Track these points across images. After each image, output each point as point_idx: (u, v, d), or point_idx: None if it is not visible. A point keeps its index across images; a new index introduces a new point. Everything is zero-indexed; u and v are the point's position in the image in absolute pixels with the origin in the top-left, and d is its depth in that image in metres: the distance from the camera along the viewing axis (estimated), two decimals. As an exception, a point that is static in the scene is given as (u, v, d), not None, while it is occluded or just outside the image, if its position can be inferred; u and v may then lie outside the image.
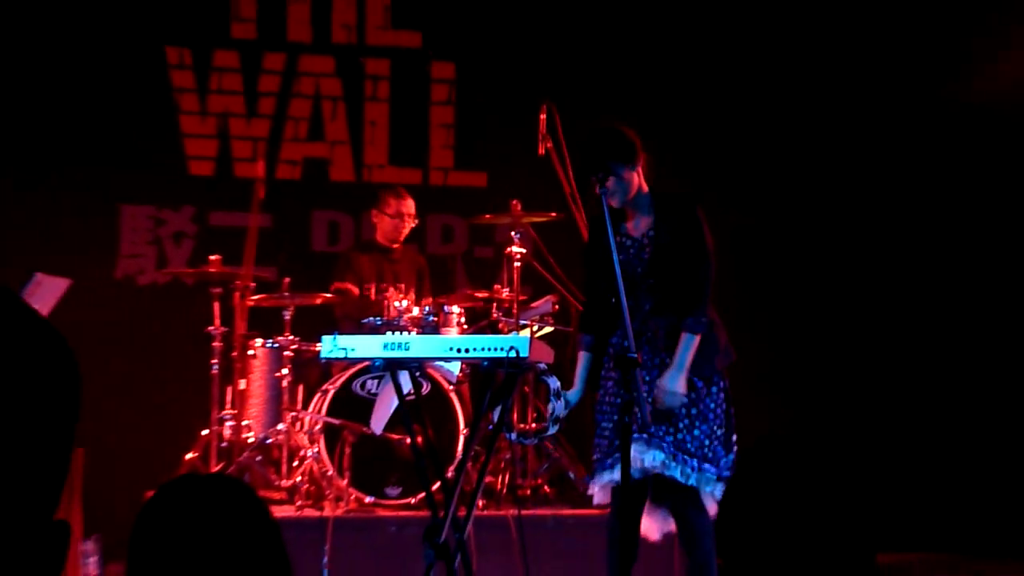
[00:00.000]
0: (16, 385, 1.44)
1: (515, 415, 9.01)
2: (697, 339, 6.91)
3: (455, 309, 9.03)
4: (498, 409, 7.20)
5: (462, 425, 8.65)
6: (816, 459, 3.00)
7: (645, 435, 6.75)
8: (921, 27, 11.11)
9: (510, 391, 7.43)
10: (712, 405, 6.98)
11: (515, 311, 9.19)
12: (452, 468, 8.08)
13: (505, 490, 9.09)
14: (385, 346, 6.79)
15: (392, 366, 7.06)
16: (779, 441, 2.96)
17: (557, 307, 9.35)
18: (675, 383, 6.87)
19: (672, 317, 6.97)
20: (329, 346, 6.76)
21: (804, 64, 11.23)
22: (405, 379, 7.25)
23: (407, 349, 6.81)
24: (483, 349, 6.84)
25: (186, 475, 3.30)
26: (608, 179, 6.83)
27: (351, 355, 6.84)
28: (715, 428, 6.94)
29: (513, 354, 6.63)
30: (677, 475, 6.73)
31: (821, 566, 2.87)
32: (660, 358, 6.93)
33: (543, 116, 7.80)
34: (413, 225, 10.03)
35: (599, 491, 7.13)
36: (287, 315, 9.42)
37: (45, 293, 7.07)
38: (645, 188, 7.05)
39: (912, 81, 11.21)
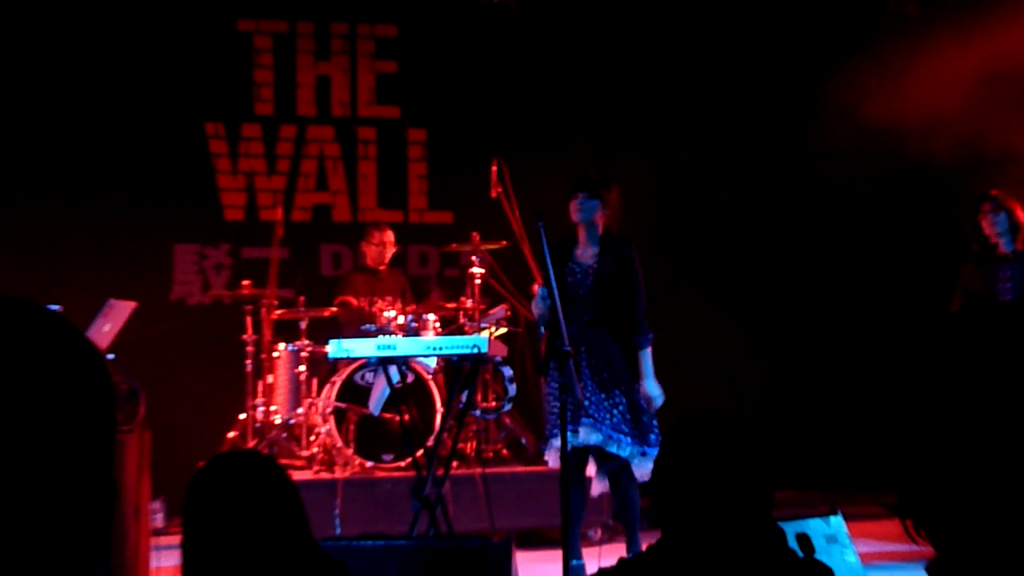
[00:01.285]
0: (49, 392, 1.34)
1: (479, 397, 8.97)
2: (649, 350, 6.98)
3: (431, 316, 8.98)
4: (466, 392, 7.23)
5: (439, 405, 8.57)
6: (725, 426, 3.05)
7: (591, 419, 6.79)
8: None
9: (474, 379, 7.46)
10: (648, 395, 7.01)
11: (476, 317, 9.18)
12: (432, 438, 8.02)
13: (473, 454, 9.01)
14: (378, 347, 6.78)
15: (383, 362, 7.08)
16: (696, 415, 3.03)
17: (509, 313, 9.29)
18: (652, 388, 6.96)
19: (604, 327, 6.98)
20: (335, 348, 6.75)
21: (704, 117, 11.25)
22: (394, 371, 7.26)
23: (395, 349, 6.82)
24: (453, 347, 6.86)
25: (228, 451, 3.31)
26: (590, 197, 6.91)
27: (352, 355, 6.87)
28: (643, 415, 6.97)
29: (476, 351, 6.65)
30: (615, 450, 6.78)
31: (728, 505, 2.92)
32: (593, 356, 6.94)
33: (494, 168, 7.75)
34: (393, 251, 9.95)
35: (553, 457, 7.08)
36: (303, 325, 9.37)
37: (117, 314, 7.01)
38: (601, 228, 7.06)
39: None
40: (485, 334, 9.06)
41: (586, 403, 6.79)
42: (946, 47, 10.77)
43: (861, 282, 11.28)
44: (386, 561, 5.75)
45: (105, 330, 6.99)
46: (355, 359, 7.65)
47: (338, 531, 7.85)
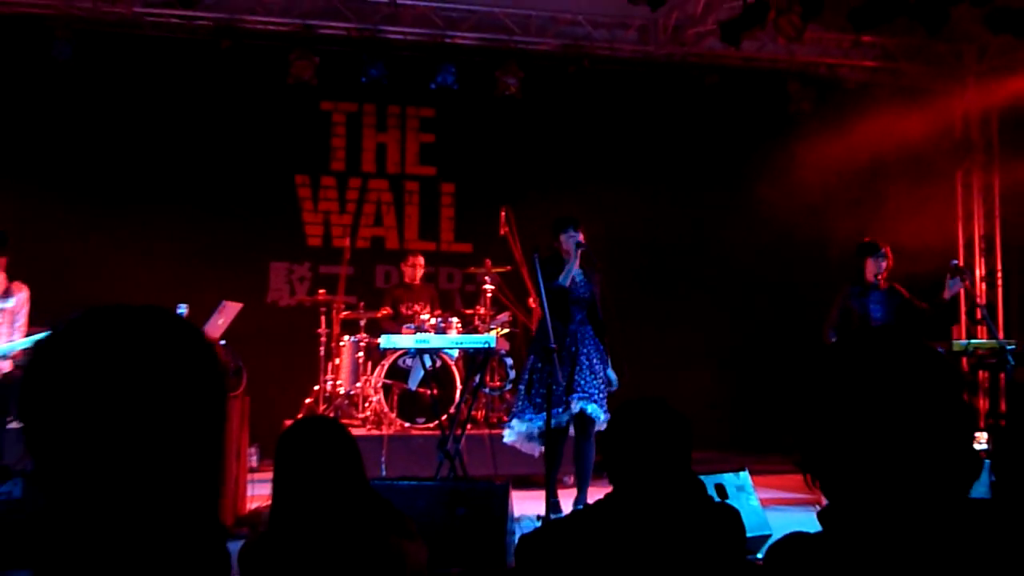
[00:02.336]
0: (182, 379, 1.35)
1: (488, 378, 9.02)
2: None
3: (454, 320, 9.04)
4: (479, 375, 7.26)
5: (458, 384, 8.61)
6: (655, 409, 3.12)
7: (584, 393, 6.79)
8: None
9: (485, 365, 7.49)
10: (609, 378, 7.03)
11: (487, 321, 9.21)
12: (453, 407, 8.04)
13: (483, 419, 9.11)
14: (416, 340, 6.84)
15: (420, 351, 7.11)
16: (634, 402, 3.10)
17: (511, 319, 9.35)
18: (611, 373, 7.03)
19: (589, 326, 7.00)
20: (386, 340, 6.81)
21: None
22: (427, 358, 7.28)
23: (428, 342, 6.86)
24: (471, 342, 6.89)
25: (306, 415, 3.34)
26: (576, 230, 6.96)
27: (397, 346, 6.91)
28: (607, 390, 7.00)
29: (487, 345, 6.69)
30: (595, 414, 6.79)
31: (659, 465, 2.98)
32: (584, 347, 6.91)
33: (503, 213, 7.81)
34: (423, 271, 9.97)
35: (511, 437, 7.11)
36: (361, 323, 9.45)
37: (228, 312, 7.04)
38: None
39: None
40: (493, 334, 9.12)
41: (580, 380, 6.76)
42: (832, 137, 10.82)
43: (778, 298, 11.23)
44: (417, 497, 5.78)
45: (219, 323, 7.02)
46: (399, 349, 7.67)
47: (383, 473, 7.87)
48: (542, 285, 6.62)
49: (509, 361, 8.79)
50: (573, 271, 6.90)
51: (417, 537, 3.37)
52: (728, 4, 9.74)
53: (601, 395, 6.84)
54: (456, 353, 8.70)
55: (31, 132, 10.02)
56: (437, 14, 10.57)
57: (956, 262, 7.67)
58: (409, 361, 8.74)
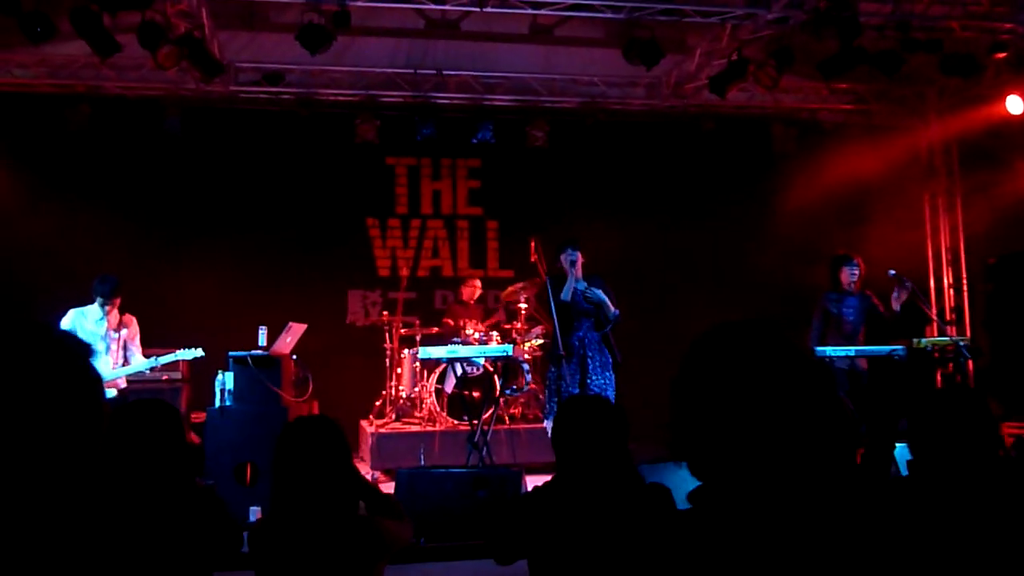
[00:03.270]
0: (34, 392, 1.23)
1: (511, 380, 8.81)
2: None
3: (494, 333, 8.91)
4: (500, 379, 7.11)
5: (498, 388, 8.49)
6: (596, 406, 3.00)
7: (597, 390, 6.60)
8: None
9: (506, 371, 7.35)
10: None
11: (523, 334, 9.10)
12: (484, 409, 7.82)
13: (507, 417, 8.88)
14: (447, 351, 6.71)
15: (451, 360, 7.00)
16: (577, 399, 2.97)
17: (543, 330, 9.23)
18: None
19: (597, 333, 6.84)
20: (422, 352, 6.68)
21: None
22: (466, 366, 7.14)
23: (457, 352, 6.73)
24: (493, 352, 6.76)
25: (306, 414, 3.24)
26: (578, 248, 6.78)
27: (431, 356, 6.74)
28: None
29: (506, 354, 6.56)
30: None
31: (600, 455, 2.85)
32: (592, 353, 6.76)
33: (532, 244, 7.66)
34: (479, 293, 9.94)
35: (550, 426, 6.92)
36: (418, 338, 9.32)
37: (295, 332, 6.99)
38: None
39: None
40: (526, 345, 8.99)
41: (591, 380, 6.60)
42: (814, 171, 10.57)
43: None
44: (446, 481, 5.68)
45: (287, 341, 6.96)
46: (437, 359, 7.54)
47: (421, 463, 7.73)
48: (552, 303, 6.51)
49: (526, 367, 8.61)
50: (574, 285, 6.75)
51: (403, 517, 3.25)
52: (717, 62, 9.53)
53: (611, 391, 6.67)
54: (482, 362, 8.49)
55: (147, 191, 10.17)
56: (477, 81, 10.52)
57: (893, 272, 7.34)
58: (468, 369, 8.62)
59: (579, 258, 6.82)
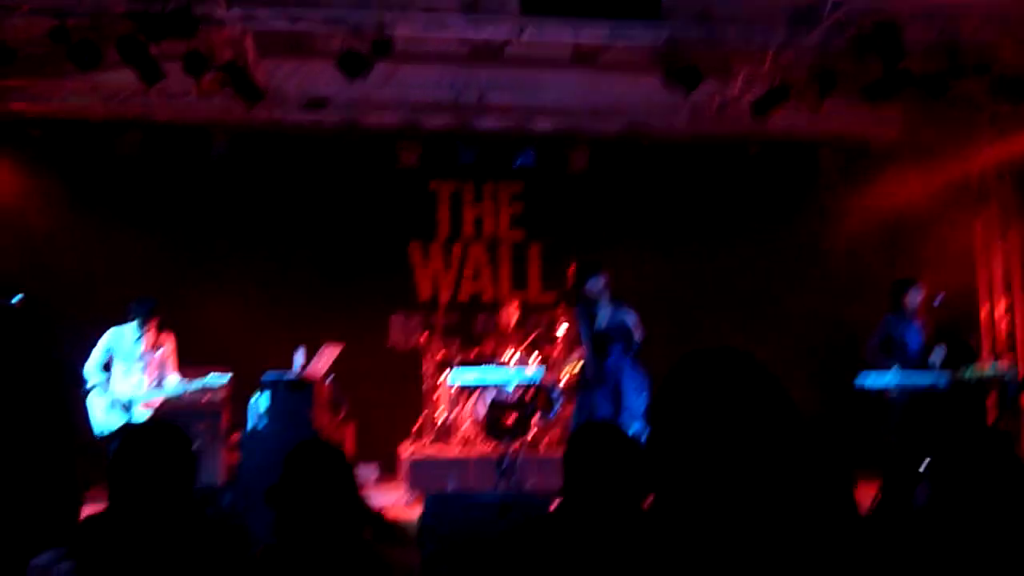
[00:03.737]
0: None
1: (540, 406, 8.72)
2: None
3: (531, 356, 8.87)
4: (530, 406, 7.05)
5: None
6: (608, 435, 2.95)
7: (631, 413, 6.52)
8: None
9: (536, 397, 7.27)
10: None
11: (562, 359, 9.03)
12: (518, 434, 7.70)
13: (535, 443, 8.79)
14: (477, 377, 6.68)
15: (481, 385, 6.97)
16: (587, 427, 2.92)
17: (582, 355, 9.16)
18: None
19: (628, 357, 6.74)
20: (452, 376, 6.68)
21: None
22: (501, 390, 7.05)
23: (485, 380, 6.69)
24: (523, 378, 6.72)
25: (310, 440, 3.20)
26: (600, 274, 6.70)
27: (462, 382, 6.73)
28: None
29: (534, 380, 6.51)
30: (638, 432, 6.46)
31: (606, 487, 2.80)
32: (626, 379, 6.68)
33: (571, 268, 7.65)
34: (517, 317, 9.88)
35: None
36: (455, 362, 9.34)
37: (329, 354, 7.06)
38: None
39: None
40: (565, 369, 8.91)
41: (626, 405, 6.51)
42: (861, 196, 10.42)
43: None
44: (472, 507, 5.63)
45: (321, 364, 7.01)
46: (469, 384, 7.50)
47: (449, 489, 7.68)
48: (585, 328, 6.46)
49: (555, 393, 8.53)
50: (603, 311, 6.68)
51: (409, 544, 3.24)
52: (760, 86, 9.43)
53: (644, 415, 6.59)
54: (512, 387, 8.35)
55: (193, 215, 10.37)
56: (519, 106, 10.55)
57: (937, 302, 7.15)
58: (490, 395, 8.59)
59: (603, 282, 6.76)
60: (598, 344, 6.66)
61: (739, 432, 1.51)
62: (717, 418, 1.53)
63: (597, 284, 6.72)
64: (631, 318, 6.65)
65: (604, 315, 6.69)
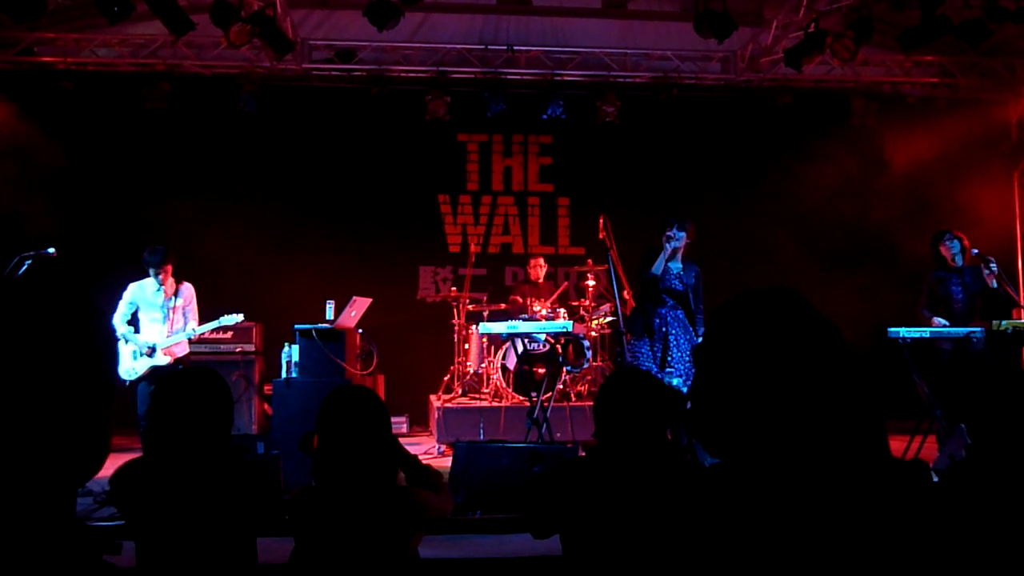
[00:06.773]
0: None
1: (571, 357, 8.74)
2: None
3: (561, 310, 8.83)
4: (561, 356, 7.03)
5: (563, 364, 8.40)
6: (641, 380, 2.94)
7: (673, 369, 6.46)
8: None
9: (567, 347, 7.26)
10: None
11: (591, 312, 9.04)
12: (545, 386, 7.74)
13: (573, 393, 8.80)
14: (508, 327, 6.69)
15: (512, 336, 6.98)
16: (620, 372, 2.92)
17: (612, 308, 9.13)
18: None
19: (681, 310, 6.61)
20: (483, 327, 6.69)
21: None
22: (527, 342, 7.07)
23: (517, 328, 6.71)
24: (553, 328, 6.71)
25: (346, 384, 3.24)
26: (684, 229, 6.57)
27: (492, 332, 6.75)
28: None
29: (564, 329, 6.50)
30: (680, 387, 6.40)
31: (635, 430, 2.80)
32: (673, 328, 6.55)
33: (601, 221, 7.58)
34: (545, 271, 9.85)
35: None
36: (485, 314, 9.37)
37: (359, 306, 7.06)
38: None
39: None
40: (594, 322, 8.91)
41: (670, 359, 6.44)
42: (895, 146, 10.24)
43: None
44: (502, 455, 5.67)
45: (352, 315, 7.03)
46: (497, 334, 7.50)
47: (480, 437, 7.72)
48: (614, 281, 6.42)
49: (586, 343, 8.53)
50: (667, 263, 6.56)
51: (442, 488, 3.25)
52: (794, 34, 9.26)
53: (689, 371, 6.53)
54: (544, 338, 8.41)
55: (222, 167, 10.40)
56: (547, 56, 10.44)
57: (976, 251, 7.02)
58: (532, 345, 8.59)
59: (684, 239, 6.57)
60: (654, 292, 6.58)
61: (790, 373, 1.47)
62: (769, 357, 1.49)
63: (671, 235, 6.59)
64: (697, 273, 6.59)
65: (669, 268, 6.57)
